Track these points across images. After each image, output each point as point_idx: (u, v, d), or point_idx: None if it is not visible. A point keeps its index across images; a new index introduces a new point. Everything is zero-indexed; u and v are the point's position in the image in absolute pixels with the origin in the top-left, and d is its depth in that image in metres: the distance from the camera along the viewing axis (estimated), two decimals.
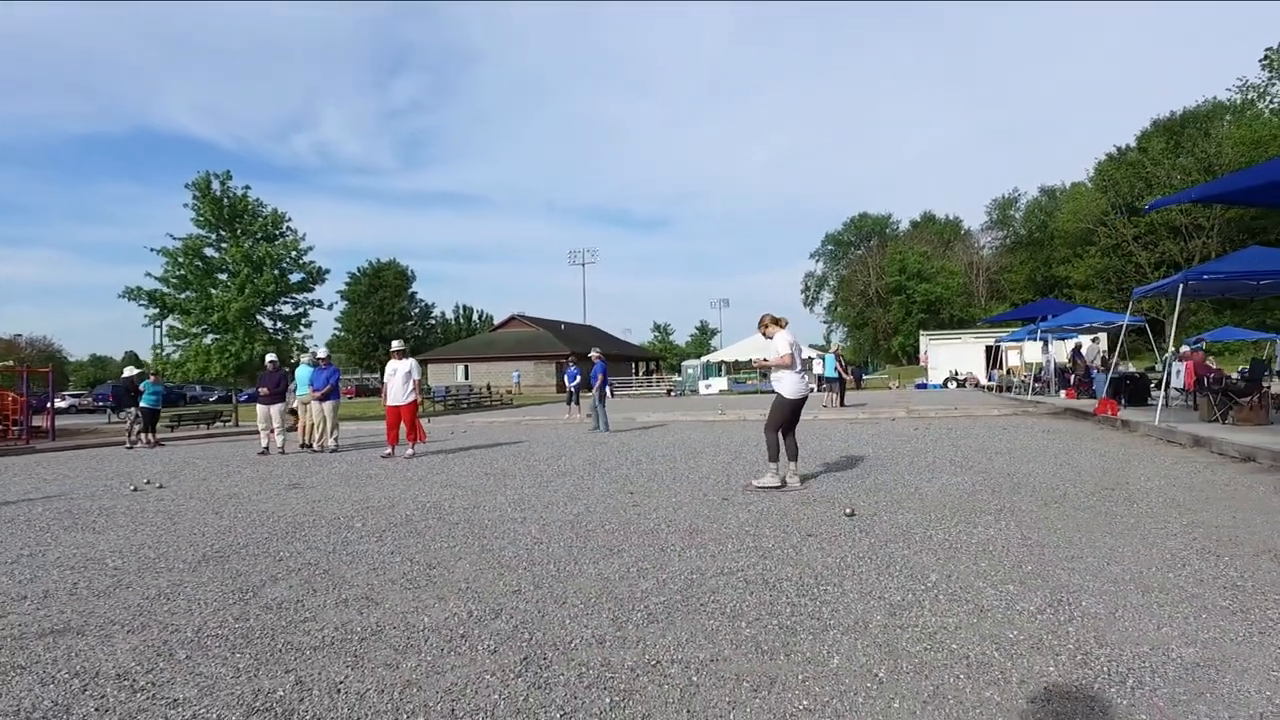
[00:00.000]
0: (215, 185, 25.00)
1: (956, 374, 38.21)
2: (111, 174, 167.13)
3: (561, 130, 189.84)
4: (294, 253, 26.66)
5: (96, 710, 2.58)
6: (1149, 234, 58.36)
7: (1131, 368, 18.65)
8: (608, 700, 2.49)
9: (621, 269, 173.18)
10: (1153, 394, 16.64)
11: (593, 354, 16.75)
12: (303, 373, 13.76)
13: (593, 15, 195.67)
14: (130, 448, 15.33)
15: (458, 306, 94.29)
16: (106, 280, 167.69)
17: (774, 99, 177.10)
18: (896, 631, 3.05)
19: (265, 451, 12.66)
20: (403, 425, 11.36)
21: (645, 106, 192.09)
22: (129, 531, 6.01)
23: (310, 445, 13.36)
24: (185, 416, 23.91)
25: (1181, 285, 10.66)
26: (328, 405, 12.87)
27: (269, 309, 26.76)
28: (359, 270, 66.76)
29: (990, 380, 36.44)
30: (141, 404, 15.80)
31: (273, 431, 12.87)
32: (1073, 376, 21.87)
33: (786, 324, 7.27)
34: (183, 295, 24.73)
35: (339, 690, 2.68)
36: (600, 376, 15.84)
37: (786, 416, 7.14)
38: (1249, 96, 51.18)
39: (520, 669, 2.81)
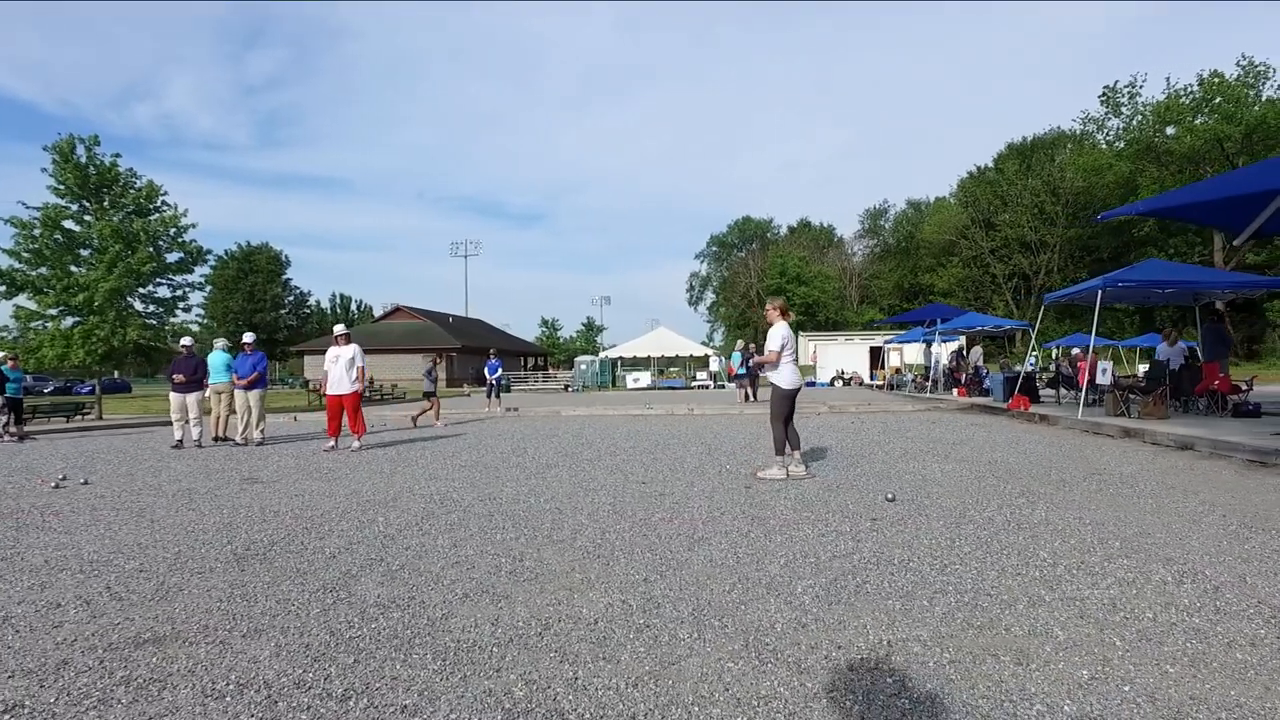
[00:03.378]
0: (80, 151, 22.42)
1: (843, 373, 40.22)
2: None
3: (432, 116, 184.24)
4: (172, 229, 24.39)
5: None
6: (1003, 247, 63.90)
7: (1025, 367, 20.25)
8: (890, 680, 2.43)
9: (498, 262, 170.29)
10: (1041, 392, 18.19)
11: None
12: (216, 359, 12.59)
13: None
14: None
15: (334, 295, 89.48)
16: None
17: (653, 99, 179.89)
18: (1078, 604, 3.16)
19: (180, 444, 11.45)
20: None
21: (520, 97, 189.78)
22: (104, 530, 5.27)
23: (227, 438, 12.24)
24: (39, 408, 21.24)
25: (1100, 291, 11.76)
26: (253, 395, 11.85)
27: (142, 290, 24.34)
28: (227, 253, 61.56)
29: (871, 380, 38.75)
30: (6, 393, 13.92)
31: (187, 422, 11.68)
32: (963, 376, 23.60)
33: (791, 318, 7.39)
34: (35, 272, 22.03)
35: (583, 686, 2.46)
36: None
37: (788, 407, 7.26)
38: (1089, 128, 56.96)
39: (754, 653, 2.69)
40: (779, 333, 7.21)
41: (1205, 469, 7.12)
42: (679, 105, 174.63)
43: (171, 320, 25.99)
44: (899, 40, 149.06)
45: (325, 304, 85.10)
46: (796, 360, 7.35)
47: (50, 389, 46.26)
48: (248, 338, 12.36)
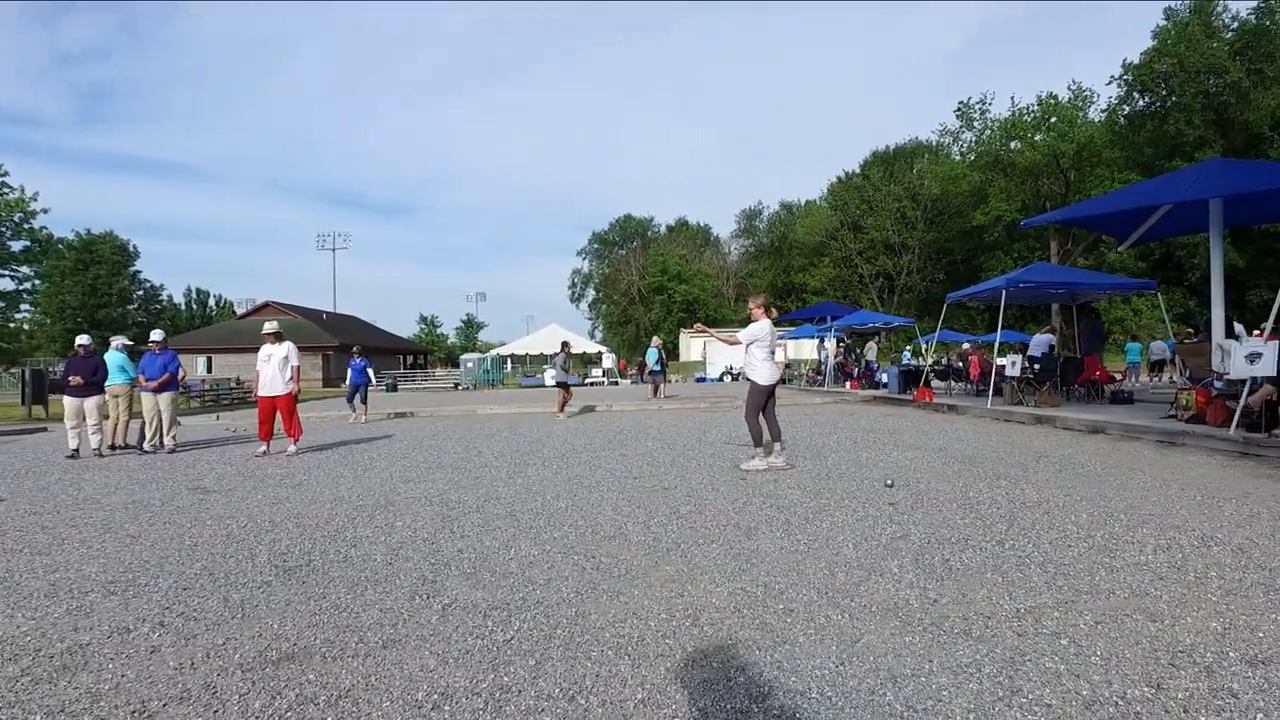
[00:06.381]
0: None
1: (731, 368, 41.62)
2: None
3: (281, 101, 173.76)
4: (17, 215, 21.78)
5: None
6: (869, 249, 68.11)
7: (919, 362, 21.85)
8: (1064, 641, 2.67)
9: (363, 256, 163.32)
10: (935, 384, 19.64)
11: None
12: (114, 359, 11.41)
13: None
14: None
15: (189, 290, 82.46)
16: None
17: (518, 96, 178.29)
18: (1146, 569, 3.58)
19: (76, 454, 10.29)
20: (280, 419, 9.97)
21: (381, 85, 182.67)
22: (86, 549, 4.76)
23: (126, 446, 11.13)
24: None
25: (1005, 291, 12.92)
26: (164, 398, 10.85)
27: None
28: (64, 243, 55.04)
29: None
30: None
31: (84, 429, 10.51)
32: (856, 370, 25.09)
33: (774, 316, 7.72)
34: None
35: (792, 668, 2.55)
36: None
37: (763, 401, 7.55)
38: (945, 140, 61.73)
39: (919, 628, 2.87)
40: (750, 328, 7.59)
41: (1129, 450, 8.05)
42: (547, 103, 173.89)
43: (15, 316, 23.22)
44: (769, 43, 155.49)
45: (179, 299, 78.49)
46: (773, 355, 7.64)
47: None
48: (156, 335, 11.29)
